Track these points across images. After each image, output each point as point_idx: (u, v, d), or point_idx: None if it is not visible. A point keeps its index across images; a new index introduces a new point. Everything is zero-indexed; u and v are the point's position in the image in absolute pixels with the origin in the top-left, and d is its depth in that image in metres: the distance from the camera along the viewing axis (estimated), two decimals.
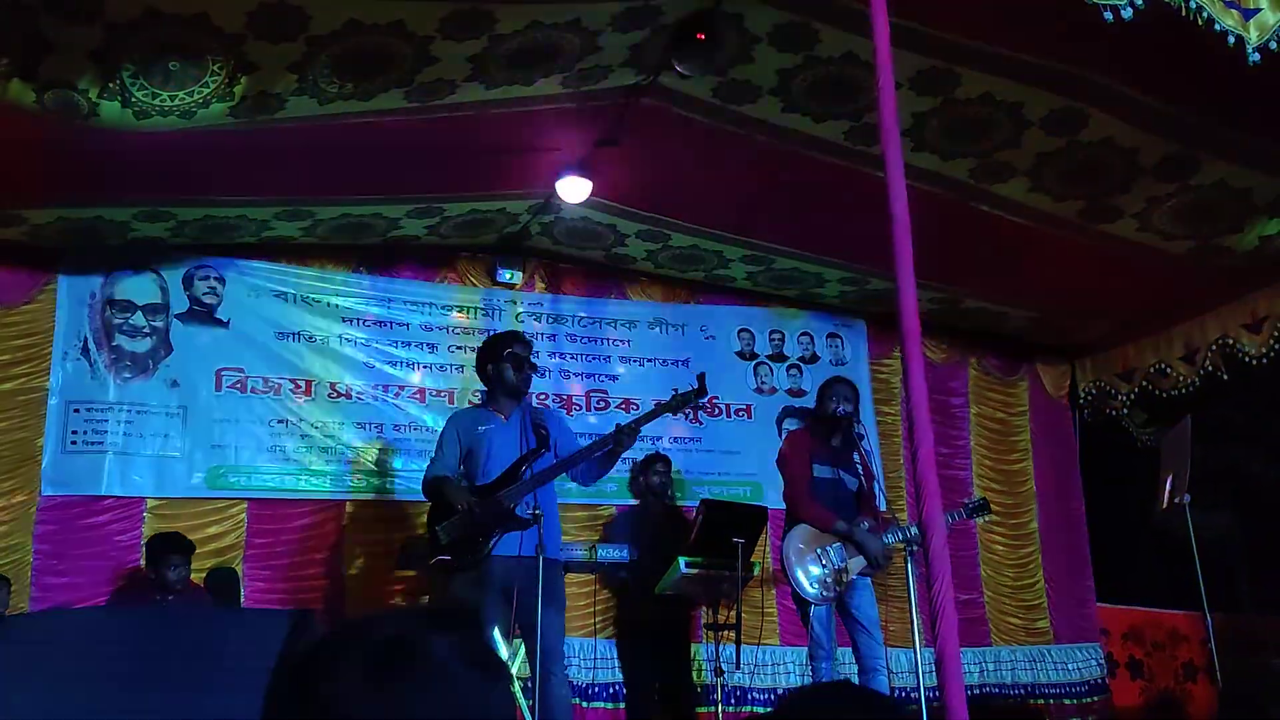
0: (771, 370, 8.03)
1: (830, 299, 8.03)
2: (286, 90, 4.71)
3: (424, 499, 5.09)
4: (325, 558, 6.61)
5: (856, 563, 5.30)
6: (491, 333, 5.92)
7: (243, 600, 6.34)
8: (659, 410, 5.04)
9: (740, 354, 7.99)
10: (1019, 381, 8.55)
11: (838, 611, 5.38)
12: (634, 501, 7.21)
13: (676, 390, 5.15)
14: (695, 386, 5.01)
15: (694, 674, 6.79)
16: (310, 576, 6.55)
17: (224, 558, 6.41)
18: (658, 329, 7.78)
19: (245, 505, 6.57)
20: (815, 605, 5.27)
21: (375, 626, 1.09)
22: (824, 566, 5.27)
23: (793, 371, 8.06)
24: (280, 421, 6.71)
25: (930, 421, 3.17)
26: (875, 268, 7.09)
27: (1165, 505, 5.86)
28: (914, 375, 3.20)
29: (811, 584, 5.25)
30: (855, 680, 5.52)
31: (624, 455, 4.93)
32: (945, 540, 3.04)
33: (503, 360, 4.89)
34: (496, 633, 4.48)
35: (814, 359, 8.13)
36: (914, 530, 5.45)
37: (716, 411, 7.77)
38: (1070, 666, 8.01)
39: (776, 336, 8.12)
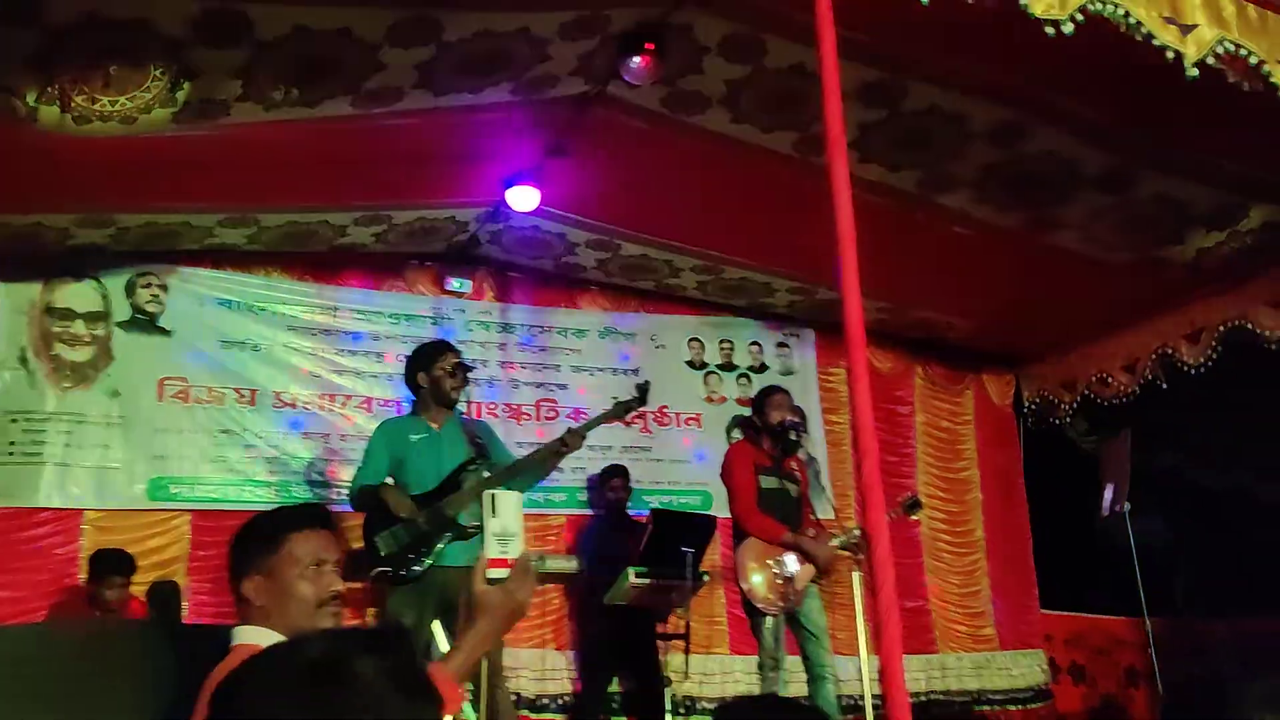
0: (721, 379, 8.06)
1: (779, 308, 8.08)
2: (231, 96, 4.65)
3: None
4: None
5: (806, 572, 5.33)
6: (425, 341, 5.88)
7: (185, 614, 6.23)
8: (603, 418, 5.03)
9: (690, 363, 8.02)
10: (964, 390, 8.65)
11: (786, 620, 5.40)
12: (584, 511, 7.21)
13: (617, 398, 5.14)
14: (636, 395, 5.02)
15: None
16: None
17: (166, 570, 6.29)
18: (608, 338, 7.79)
19: (188, 517, 6.45)
20: (767, 615, 5.28)
21: (304, 647, 1.07)
22: (775, 576, 5.28)
23: (742, 380, 8.09)
24: (224, 431, 6.62)
25: (876, 431, 3.21)
26: (824, 278, 7.12)
27: (1105, 514, 5.95)
28: (859, 390, 3.23)
29: (765, 594, 5.27)
30: (806, 689, 5.56)
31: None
32: (889, 550, 3.08)
33: (436, 369, 4.83)
34: (443, 644, 4.43)
35: (763, 368, 8.17)
36: (857, 533, 5.51)
37: (666, 420, 7.78)
38: (1015, 672, 8.11)
39: (726, 346, 8.15)
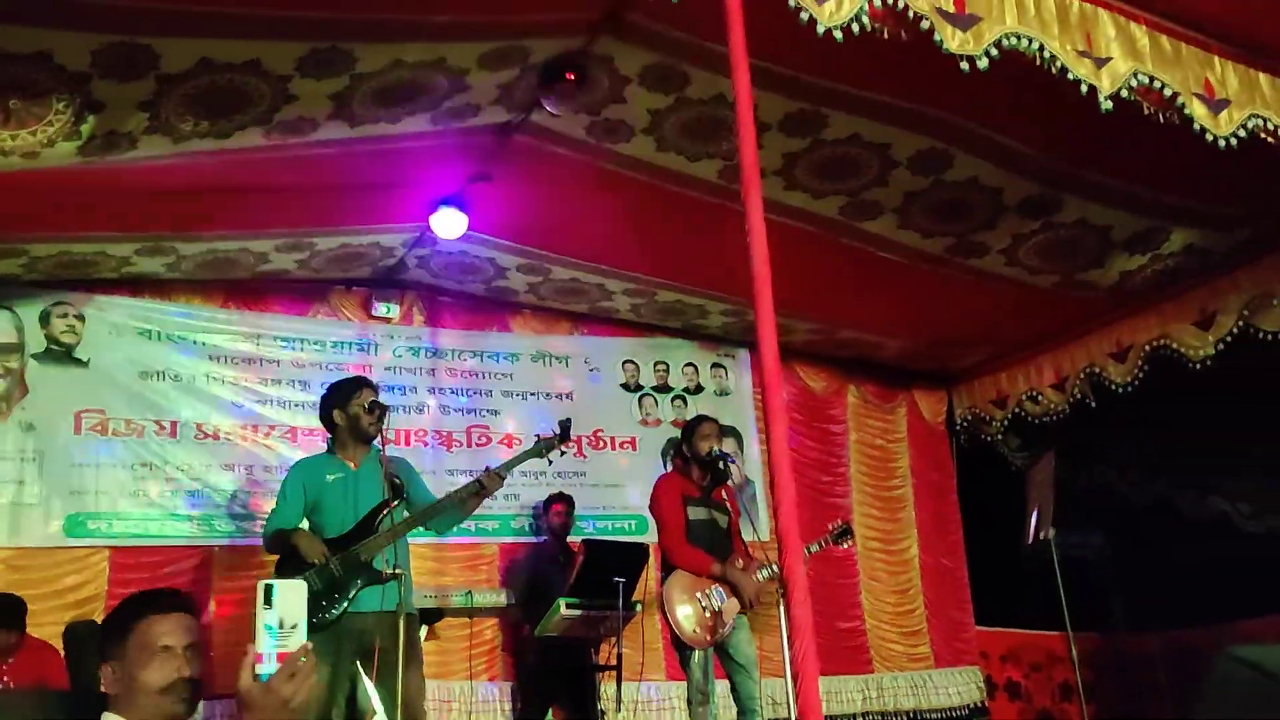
0: (656, 402, 8.01)
1: (713, 330, 8.06)
2: (138, 129, 4.52)
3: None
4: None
5: (734, 604, 5.29)
6: (344, 376, 5.79)
7: None
8: (522, 457, 4.96)
9: (625, 386, 7.97)
10: (897, 409, 8.68)
11: (715, 651, 5.35)
12: (519, 539, 7.14)
13: (539, 436, 5.08)
14: (558, 432, 4.96)
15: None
16: None
17: (84, 609, 6.10)
18: (541, 362, 7.71)
19: (107, 554, 6.27)
20: (696, 649, 5.23)
21: None
22: (704, 609, 5.24)
23: (677, 403, 8.05)
24: (144, 464, 6.45)
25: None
26: (749, 299, 7.11)
27: (1031, 540, 5.99)
28: (774, 409, 3.21)
29: (693, 628, 5.22)
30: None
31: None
32: (807, 591, 3.06)
33: (354, 405, 4.72)
34: (370, 688, 4.34)
35: (699, 389, 8.15)
36: (773, 569, 5.48)
37: (601, 445, 7.72)
38: (951, 690, 8.14)
39: (661, 368, 8.11)
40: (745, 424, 8.14)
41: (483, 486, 4.60)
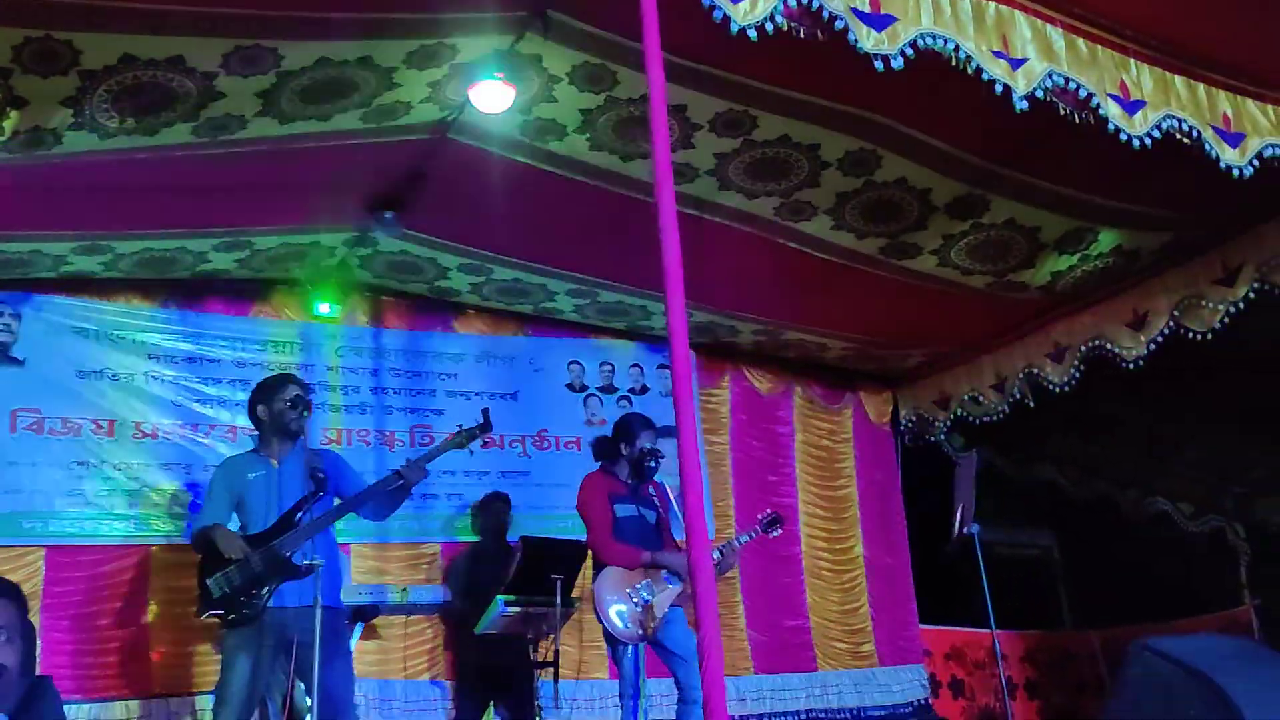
0: (602, 402, 8.04)
1: (658, 330, 8.09)
2: (62, 125, 4.53)
3: None
4: (127, 606, 6.32)
5: (665, 597, 5.33)
6: (270, 373, 5.80)
7: (39, 653, 6.02)
8: (444, 447, 4.99)
9: (570, 386, 7.99)
10: (843, 410, 8.76)
11: (651, 647, 5.38)
12: (462, 539, 7.15)
13: (461, 426, 5.10)
14: (480, 421, 4.99)
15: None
16: (111, 626, 6.24)
17: None
18: (485, 362, 7.72)
19: (42, 553, 6.23)
20: (627, 644, 5.27)
21: None
22: (634, 605, 5.27)
23: (623, 403, 8.07)
24: (81, 464, 6.40)
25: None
26: (694, 300, 7.17)
27: (956, 535, 6.07)
28: (684, 409, 3.26)
29: (624, 624, 5.25)
30: (675, 712, 5.56)
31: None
32: (713, 581, 3.10)
33: (279, 401, 4.74)
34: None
35: (644, 390, 8.18)
36: (717, 554, 5.53)
37: (546, 445, 7.74)
38: (895, 688, 8.20)
39: (607, 368, 8.15)
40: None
41: (402, 477, 4.63)
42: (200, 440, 6.69)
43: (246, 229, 6.19)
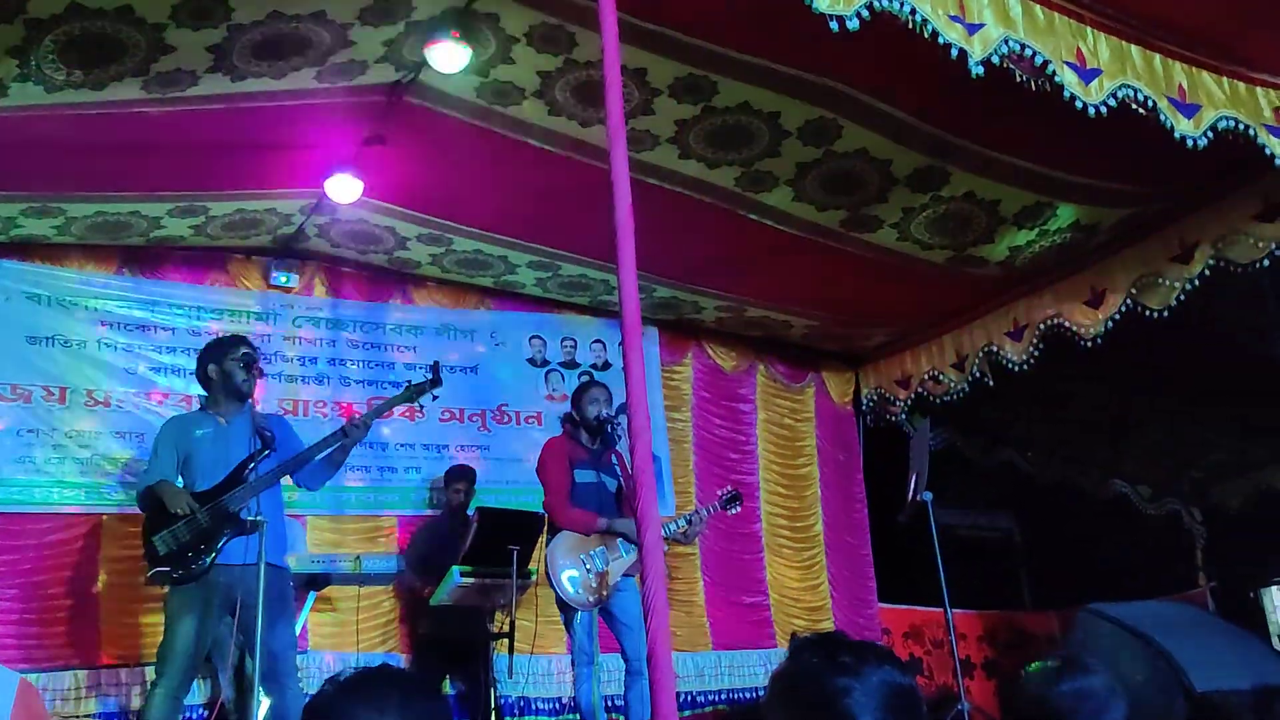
0: (563, 377, 8.00)
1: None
2: (8, 76, 4.45)
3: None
4: (77, 574, 6.23)
5: (619, 565, 5.31)
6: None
7: None
8: (391, 402, 4.98)
9: (531, 361, 7.95)
10: (806, 388, 8.76)
11: (601, 615, 5.36)
12: (418, 512, 7.11)
13: (410, 382, 5.06)
14: (430, 377, 4.96)
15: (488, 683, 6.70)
16: (60, 595, 6.15)
17: None
18: (446, 335, 7.66)
19: None
20: (579, 611, 5.24)
21: None
22: (587, 571, 5.25)
23: (585, 378, 8.04)
24: (30, 431, 6.31)
25: (648, 423, 3.21)
26: (657, 274, 7.16)
27: (909, 501, 6.10)
28: (633, 378, 3.22)
29: (575, 590, 5.23)
30: (622, 681, 5.55)
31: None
32: (659, 539, 3.06)
33: (229, 361, 4.69)
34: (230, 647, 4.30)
35: (606, 366, 8.14)
36: (678, 525, 5.51)
37: (506, 419, 7.70)
38: None
39: (569, 344, 8.11)
40: (653, 401, 8.15)
41: (345, 435, 4.59)
42: (153, 408, 6.60)
43: (200, 193, 6.10)
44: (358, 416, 4.72)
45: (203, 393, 4.90)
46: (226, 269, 7.05)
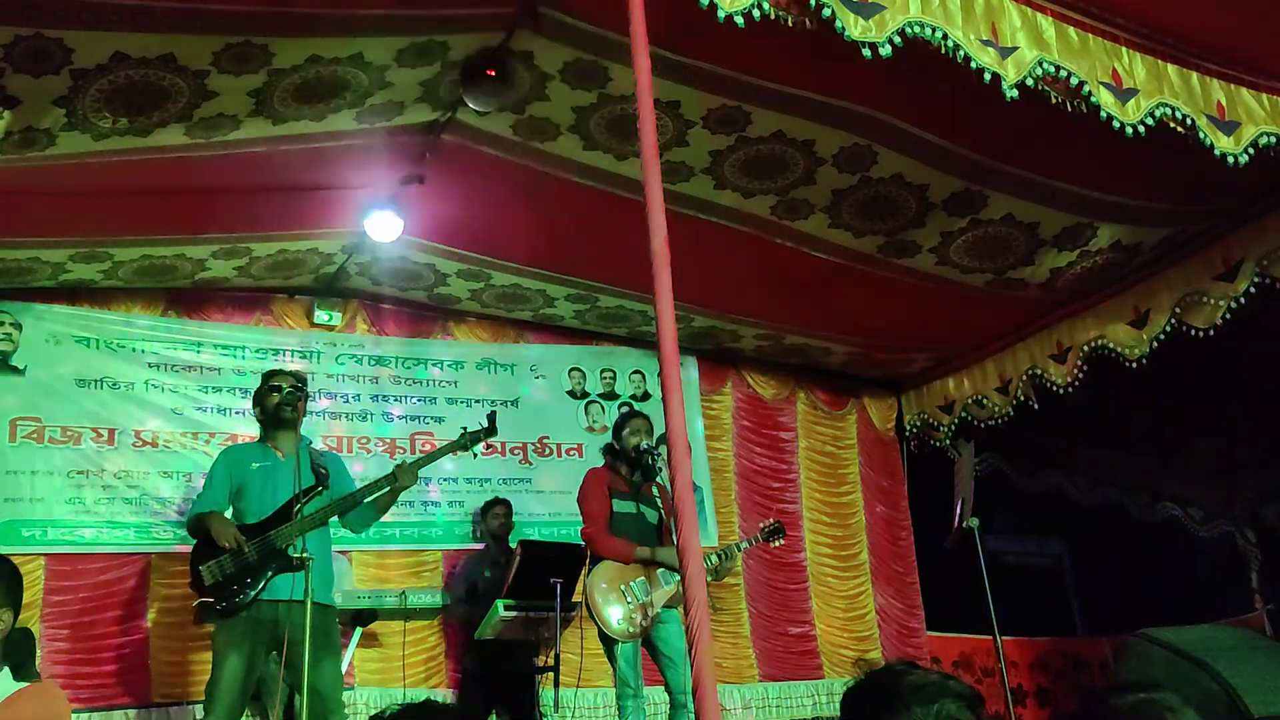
0: (603, 409, 8.02)
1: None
2: (56, 125, 4.55)
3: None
4: (127, 614, 6.31)
5: (660, 596, 5.28)
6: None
7: (39, 661, 6.01)
8: (445, 450, 4.97)
9: (571, 393, 7.98)
10: (847, 415, 8.71)
11: (645, 647, 5.33)
12: (463, 546, 7.12)
13: (465, 429, 5.07)
14: (486, 425, 4.96)
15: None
16: (110, 634, 6.23)
17: (19, 617, 6.04)
18: (486, 369, 7.72)
19: (42, 561, 6.24)
20: (621, 642, 5.21)
21: None
22: (628, 602, 5.22)
23: (625, 409, 8.03)
24: (80, 472, 6.42)
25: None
26: (696, 305, 7.17)
27: (955, 529, 6.02)
28: (672, 408, 3.21)
29: (617, 622, 5.20)
30: (667, 715, 5.49)
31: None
32: (702, 569, 3.04)
33: (264, 390, 4.78)
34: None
35: (646, 396, 8.15)
36: (714, 559, 5.47)
37: (547, 452, 7.72)
38: None
39: (608, 375, 8.13)
40: (693, 431, 8.14)
41: (396, 480, 4.61)
42: (199, 448, 6.69)
43: (244, 236, 6.20)
44: (407, 464, 4.73)
45: (249, 430, 4.95)
46: (270, 309, 7.15)
